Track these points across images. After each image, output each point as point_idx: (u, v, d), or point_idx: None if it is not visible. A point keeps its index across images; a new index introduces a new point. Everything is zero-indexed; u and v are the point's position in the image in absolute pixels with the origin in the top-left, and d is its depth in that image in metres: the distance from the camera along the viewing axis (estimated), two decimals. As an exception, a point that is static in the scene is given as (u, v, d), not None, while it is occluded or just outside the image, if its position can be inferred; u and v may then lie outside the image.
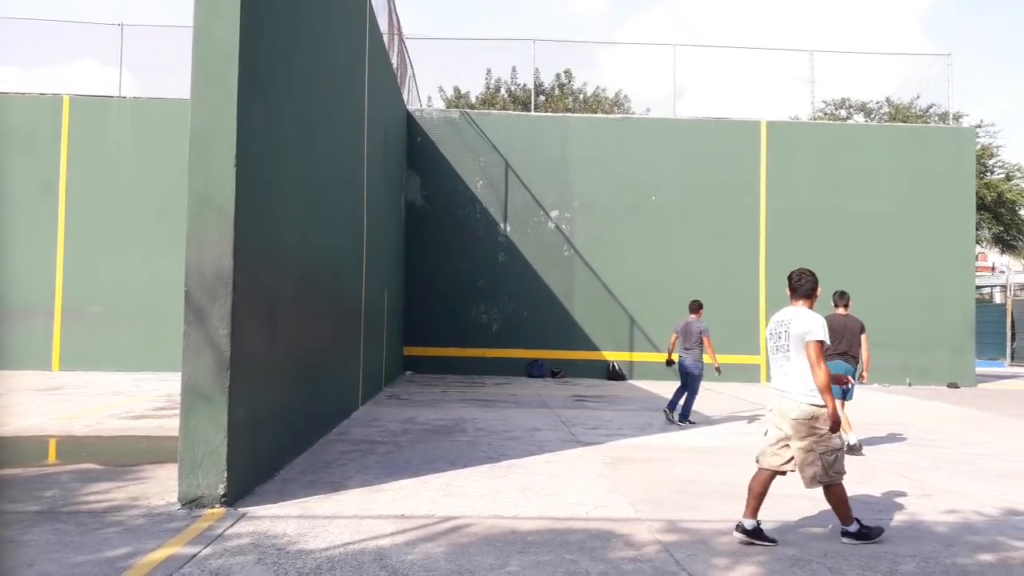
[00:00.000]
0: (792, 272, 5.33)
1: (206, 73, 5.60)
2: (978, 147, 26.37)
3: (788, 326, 5.06)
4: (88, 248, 17.45)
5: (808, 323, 4.98)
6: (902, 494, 6.49)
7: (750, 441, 9.34)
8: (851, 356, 9.14)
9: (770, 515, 5.68)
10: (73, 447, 8.01)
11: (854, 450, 8.69)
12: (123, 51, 18.44)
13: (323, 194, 8.75)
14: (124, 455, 7.59)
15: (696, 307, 11.35)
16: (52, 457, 7.60)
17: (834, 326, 9.17)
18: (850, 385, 8.50)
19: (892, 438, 9.88)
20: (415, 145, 19.00)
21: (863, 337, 9.21)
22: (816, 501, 6.16)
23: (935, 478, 7.27)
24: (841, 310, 9.38)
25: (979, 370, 20.27)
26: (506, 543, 4.81)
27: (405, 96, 18.55)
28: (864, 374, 9.36)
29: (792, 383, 5.00)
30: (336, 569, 4.23)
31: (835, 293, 9.56)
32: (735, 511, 5.77)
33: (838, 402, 9.13)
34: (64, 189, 17.61)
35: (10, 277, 17.31)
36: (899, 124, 25.06)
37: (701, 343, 10.83)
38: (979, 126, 29.24)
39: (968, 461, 8.27)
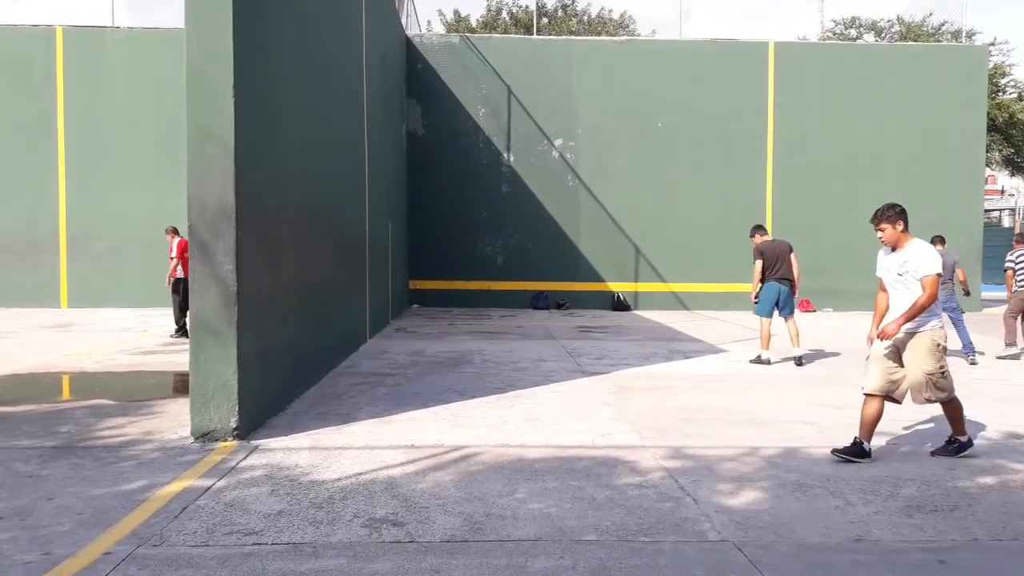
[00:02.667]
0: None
1: (200, 2, 5.44)
2: (990, 66, 25.76)
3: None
4: (90, 183, 17.36)
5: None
6: (904, 420, 6.57)
7: (754, 369, 9.43)
8: (784, 278, 9.81)
9: (774, 440, 5.77)
10: (86, 383, 8.13)
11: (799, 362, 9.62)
12: (114, -21, 17.96)
13: (323, 125, 8.62)
14: (136, 391, 7.71)
15: (936, 239, 10.60)
16: (66, 393, 7.72)
17: (768, 252, 9.63)
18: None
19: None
20: (415, 72, 18.63)
21: (792, 257, 9.89)
22: (819, 426, 6.25)
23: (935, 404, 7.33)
24: (767, 237, 10.12)
25: (985, 295, 20.25)
26: (514, 471, 4.90)
27: (404, 21, 18.11)
28: (794, 291, 9.95)
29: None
30: (348, 499, 4.32)
31: (755, 226, 10.40)
32: (739, 437, 5.86)
33: (766, 320, 9.59)
34: (62, 122, 17.41)
35: (15, 214, 17.27)
36: (910, 43, 24.40)
37: (953, 275, 10.15)
38: (992, 44, 28.51)
39: (969, 385, 8.33)
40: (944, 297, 10.12)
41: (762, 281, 9.83)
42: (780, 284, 9.73)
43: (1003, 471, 5.02)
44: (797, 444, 5.67)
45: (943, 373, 5.18)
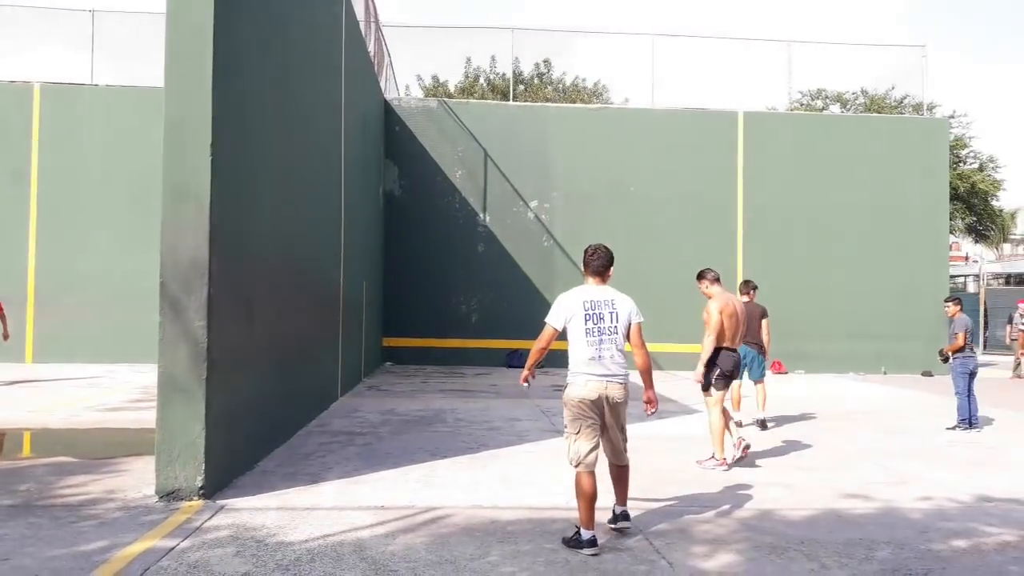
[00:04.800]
0: (588, 247, 5.25)
1: (180, 61, 5.51)
2: (951, 137, 26.68)
3: (615, 306, 4.95)
4: (61, 238, 17.16)
5: (632, 304, 5.04)
6: (876, 482, 6.58)
7: (728, 430, 9.42)
8: (753, 342, 9.76)
9: (748, 502, 5.73)
10: (48, 440, 7.91)
11: (763, 425, 9.58)
12: (95, 37, 18.12)
13: (300, 183, 8.67)
14: (100, 448, 7.51)
15: (951, 301, 10.70)
16: (27, 450, 7.50)
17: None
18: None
19: (866, 426, 10.01)
20: (393, 135, 18.87)
21: (764, 322, 9.94)
22: (793, 489, 6.24)
23: (909, 466, 7.37)
24: (745, 298, 9.99)
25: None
26: (486, 533, 4.81)
27: (382, 85, 18.41)
28: (764, 355, 9.97)
29: (623, 366, 4.86)
30: (316, 561, 4.21)
31: (741, 283, 10.36)
32: (714, 499, 5.82)
33: (736, 383, 9.44)
34: (36, 179, 17.29)
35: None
36: (874, 115, 25.28)
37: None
38: (952, 116, 29.56)
39: (941, 449, 8.40)
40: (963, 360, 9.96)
41: None
42: (748, 347, 9.80)
43: (976, 534, 5.02)
44: (771, 506, 5.65)
45: (570, 435, 4.84)
